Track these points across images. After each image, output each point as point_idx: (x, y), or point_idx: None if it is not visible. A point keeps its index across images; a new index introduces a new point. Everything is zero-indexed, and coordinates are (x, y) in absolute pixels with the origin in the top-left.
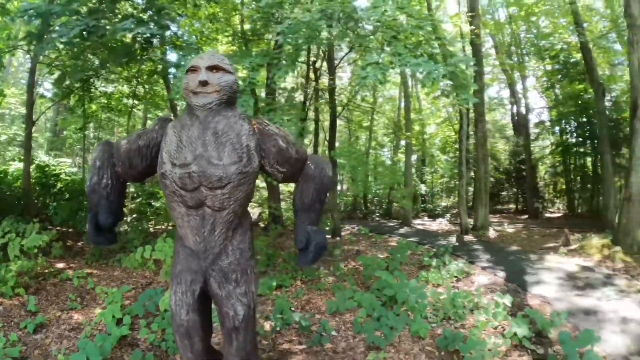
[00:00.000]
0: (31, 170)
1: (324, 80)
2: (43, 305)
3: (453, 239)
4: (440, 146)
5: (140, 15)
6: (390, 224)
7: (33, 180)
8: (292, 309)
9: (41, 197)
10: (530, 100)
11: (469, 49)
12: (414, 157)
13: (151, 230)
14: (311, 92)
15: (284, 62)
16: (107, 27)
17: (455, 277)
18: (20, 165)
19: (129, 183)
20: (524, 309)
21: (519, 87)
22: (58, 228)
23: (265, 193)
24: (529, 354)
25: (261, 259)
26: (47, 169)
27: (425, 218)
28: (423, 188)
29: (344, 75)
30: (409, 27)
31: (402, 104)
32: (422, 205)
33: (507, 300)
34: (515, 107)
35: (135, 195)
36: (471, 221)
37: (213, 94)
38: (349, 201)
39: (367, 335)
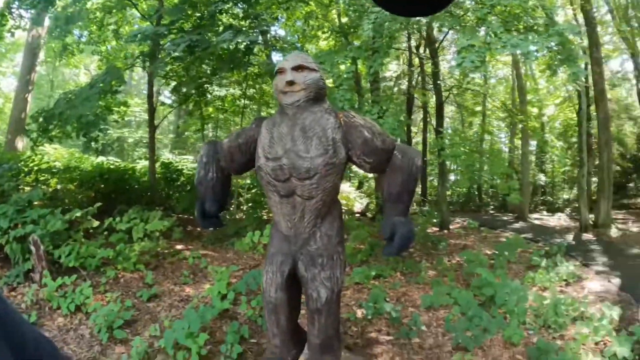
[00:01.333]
0: (156, 166)
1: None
2: (159, 280)
3: (570, 237)
4: (561, 130)
5: (241, 23)
6: (505, 218)
7: (158, 176)
8: (387, 299)
9: (165, 189)
10: None
11: (581, 18)
12: (533, 144)
13: (264, 217)
14: (415, 79)
15: (377, 52)
16: (212, 39)
17: (565, 280)
18: (147, 163)
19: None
20: (632, 325)
21: None
22: (179, 215)
23: (373, 183)
24: None
25: (364, 248)
26: (170, 165)
27: (544, 212)
28: (542, 178)
29: (451, 58)
30: (499, 0)
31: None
32: (542, 198)
33: (615, 312)
34: None
35: (251, 186)
36: (593, 217)
37: (300, 92)
38: (462, 193)
39: (455, 334)
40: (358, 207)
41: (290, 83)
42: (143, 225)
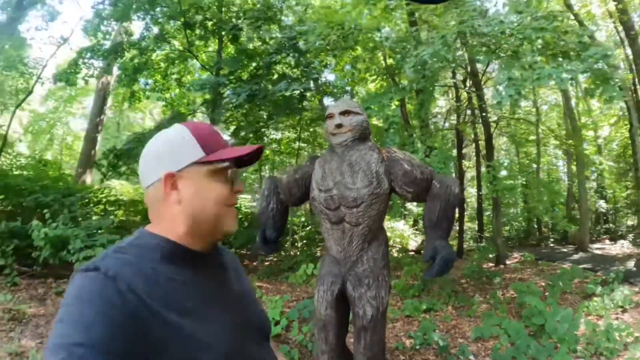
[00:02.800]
0: None
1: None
2: None
3: (631, 264)
4: (618, 151)
5: (293, 71)
6: (565, 250)
7: None
8: (436, 330)
9: None
10: None
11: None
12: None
13: (317, 254)
14: (464, 113)
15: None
16: (268, 87)
17: (621, 307)
18: None
19: (295, 208)
20: None
21: None
22: (237, 250)
23: None
24: None
25: (417, 283)
26: None
27: (606, 241)
28: (603, 205)
29: (491, 91)
30: (531, 32)
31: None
32: (604, 226)
33: None
34: None
35: (305, 224)
36: None
37: (347, 133)
38: (521, 228)
39: None
40: (412, 244)
41: (339, 126)
42: None
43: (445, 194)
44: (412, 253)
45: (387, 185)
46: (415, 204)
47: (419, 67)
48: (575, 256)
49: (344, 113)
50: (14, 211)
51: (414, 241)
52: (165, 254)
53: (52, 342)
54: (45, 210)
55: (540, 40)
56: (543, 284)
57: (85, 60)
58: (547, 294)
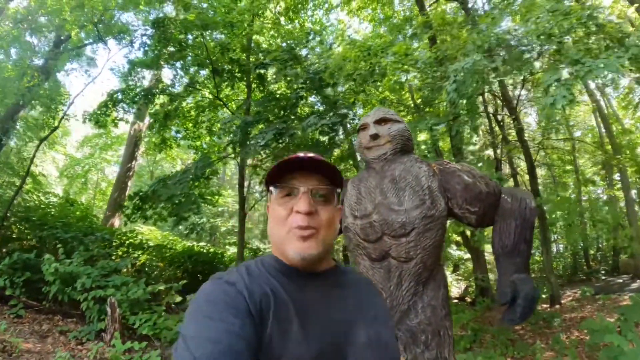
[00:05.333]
0: (245, 252)
1: (512, 129)
2: None
3: None
4: None
5: (319, 110)
6: (619, 281)
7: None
8: None
9: None
10: None
11: None
12: (634, 191)
13: None
14: (499, 143)
15: (464, 117)
16: (295, 126)
17: None
18: (235, 250)
19: None
20: None
21: None
22: None
23: (470, 265)
24: None
25: (467, 334)
26: (258, 252)
27: None
28: None
29: (530, 120)
30: (569, 27)
31: (603, 130)
32: None
33: None
34: None
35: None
36: None
37: (386, 145)
38: (568, 263)
39: None
40: (455, 291)
41: (375, 137)
42: None
43: (520, 209)
44: (456, 301)
45: (444, 205)
46: (455, 247)
47: (462, 82)
48: (634, 285)
49: (380, 121)
50: (36, 245)
51: (456, 287)
52: (273, 271)
53: (185, 333)
54: (59, 245)
55: (579, 32)
56: (611, 319)
57: (116, 104)
58: (618, 330)
